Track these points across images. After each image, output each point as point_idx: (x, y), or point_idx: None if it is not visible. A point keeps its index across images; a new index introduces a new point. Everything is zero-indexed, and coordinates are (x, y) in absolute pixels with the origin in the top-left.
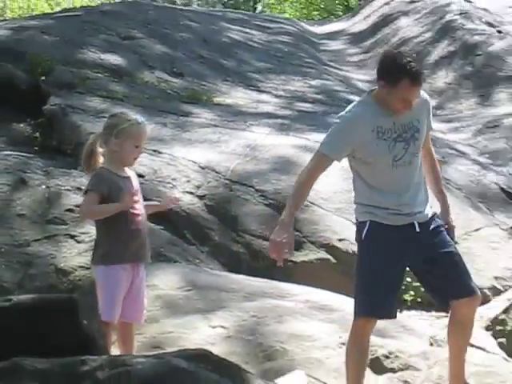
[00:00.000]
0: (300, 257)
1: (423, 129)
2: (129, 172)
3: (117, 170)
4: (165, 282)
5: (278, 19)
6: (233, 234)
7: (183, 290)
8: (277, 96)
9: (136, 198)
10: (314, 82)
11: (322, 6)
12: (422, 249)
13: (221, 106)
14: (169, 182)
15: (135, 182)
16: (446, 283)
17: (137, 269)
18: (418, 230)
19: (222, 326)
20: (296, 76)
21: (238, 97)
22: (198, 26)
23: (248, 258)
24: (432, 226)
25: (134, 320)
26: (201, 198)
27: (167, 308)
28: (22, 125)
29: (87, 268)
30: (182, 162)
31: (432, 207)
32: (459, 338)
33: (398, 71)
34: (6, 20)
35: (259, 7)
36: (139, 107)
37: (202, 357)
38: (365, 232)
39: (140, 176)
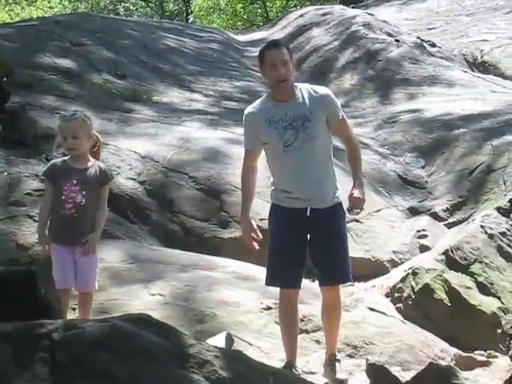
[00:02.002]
0: (227, 234)
1: (317, 119)
2: (90, 164)
3: (72, 162)
4: (110, 256)
5: (208, 29)
6: (169, 214)
7: (126, 262)
8: (207, 95)
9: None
10: (238, 83)
11: (245, 17)
12: (310, 231)
13: (158, 104)
14: (114, 170)
15: (87, 174)
16: (318, 268)
17: (73, 249)
18: (308, 214)
19: (160, 294)
20: (223, 78)
21: (173, 96)
22: (139, 35)
23: (182, 235)
24: (328, 215)
25: (81, 290)
26: (141, 183)
27: (113, 278)
28: None
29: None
30: (125, 153)
31: (339, 196)
32: (325, 318)
33: (259, 55)
34: None
35: (191, 18)
36: (88, 105)
37: (143, 320)
38: (268, 214)
39: None
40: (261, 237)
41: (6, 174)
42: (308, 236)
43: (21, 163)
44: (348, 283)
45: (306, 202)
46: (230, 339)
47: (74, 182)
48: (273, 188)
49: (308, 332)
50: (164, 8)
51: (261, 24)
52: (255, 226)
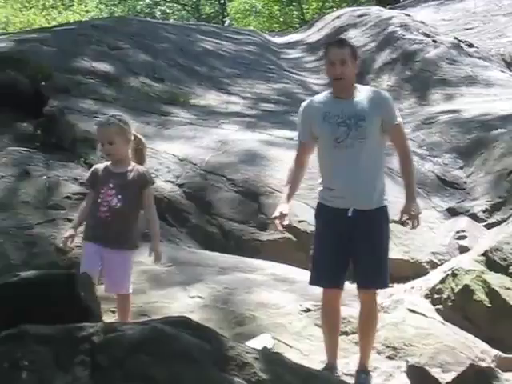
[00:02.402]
0: (265, 236)
1: (371, 120)
2: (129, 168)
3: (112, 166)
4: (149, 258)
5: (244, 31)
6: (207, 217)
7: (166, 265)
8: (244, 98)
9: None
10: (275, 86)
11: (282, 20)
12: (352, 232)
13: (196, 107)
14: (152, 173)
15: (124, 178)
16: (357, 270)
17: (103, 247)
18: (349, 214)
19: (200, 297)
20: (260, 80)
21: (211, 99)
22: (176, 38)
23: (221, 238)
24: (371, 217)
25: (112, 291)
26: (180, 186)
27: (152, 281)
28: (25, 124)
29: None
30: (163, 155)
31: (387, 199)
32: (360, 326)
33: (324, 50)
34: (9, 33)
35: (227, 21)
36: (126, 108)
37: (183, 323)
38: (314, 213)
39: None
40: (286, 223)
41: (44, 177)
42: (350, 236)
43: (59, 167)
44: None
45: (349, 201)
46: (269, 341)
47: (111, 185)
48: (320, 187)
49: (348, 334)
50: (200, 11)
51: (297, 26)
52: (285, 212)
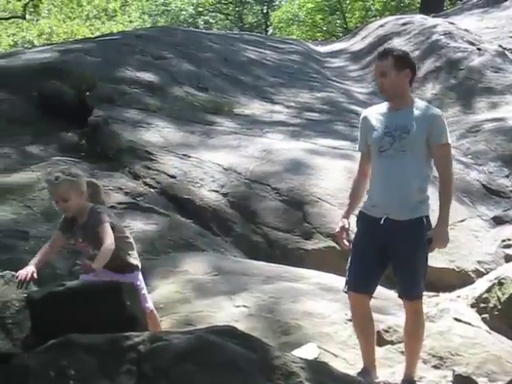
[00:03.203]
0: (310, 245)
1: (415, 134)
2: (87, 218)
3: (78, 218)
4: (195, 268)
5: (288, 40)
6: (252, 226)
7: (211, 274)
8: (288, 107)
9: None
10: (319, 95)
11: (325, 29)
12: (387, 241)
13: (240, 116)
14: (197, 182)
15: (87, 229)
16: (396, 280)
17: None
18: (382, 222)
19: (245, 306)
20: (304, 89)
21: (255, 108)
22: (219, 47)
23: (265, 247)
24: (406, 227)
25: None
26: (224, 195)
27: (197, 290)
28: (70, 134)
29: None
30: (207, 165)
31: (427, 209)
32: (405, 335)
33: None
34: (53, 44)
35: (270, 30)
36: (170, 118)
37: (228, 332)
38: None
39: (172, 177)
40: (346, 239)
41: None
42: (385, 245)
43: (104, 176)
44: (432, 294)
45: (383, 210)
46: (315, 351)
47: (80, 240)
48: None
49: (393, 343)
50: (243, 20)
51: (340, 35)
52: (347, 226)
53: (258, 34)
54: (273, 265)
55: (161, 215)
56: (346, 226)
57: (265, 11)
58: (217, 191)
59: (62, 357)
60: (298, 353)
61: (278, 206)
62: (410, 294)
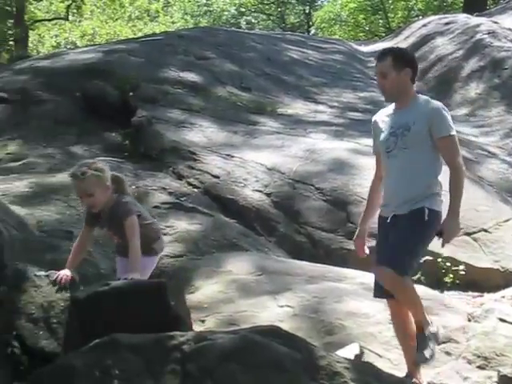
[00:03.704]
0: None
1: (416, 130)
2: (110, 208)
3: (103, 211)
4: (238, 268)
5: (330, 40)
6: (296, 226)
7: (254, 274)
8: (331, 106)
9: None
10: (362, 94)
11: (367, 28)
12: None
13: (283, 116)
14: (240, 182)
15: (111, 220)
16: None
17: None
18: (388, 221)
19: (289, 306)
20: (347, 89)
21: (298, 108)
22: (262, 47)
23: (309, 247)
24: (405, 218)
25: None
26: (268, 195)
27: (241, 290)
28: (113, 134)
29: (172, 257)
30: (251, 165)
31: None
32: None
33: None
34: (96, 45)
35: (312, 30)
36: (213, 118)
37: (272, 332)
38: None
39: (215, 177)
40: (366, 249)
41: (133, 187)
42: None
43: (148, 176)
44: (476, 294)
45: (391, 209)
46: (359, 351)
47: (105, 229)
48: None
49: (438, 344)
50: (285, 21)
51: (382, 35)
52: (364, 235)
53: (301, 34)
54: (316, 265)
55: (204, 215)
56: (362, 234)
57: (307, 11)
58: (260, 191)
59: (106, 356)
60: (342, 353)
61: (321, 205)
62: (390, 261)
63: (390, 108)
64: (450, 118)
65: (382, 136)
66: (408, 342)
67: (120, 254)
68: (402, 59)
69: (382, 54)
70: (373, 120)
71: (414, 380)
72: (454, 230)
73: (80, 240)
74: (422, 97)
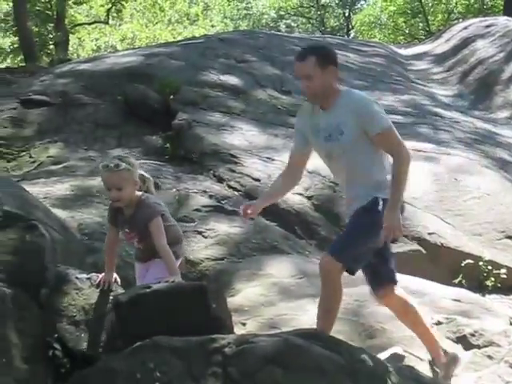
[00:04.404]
0: (396, 248)
1: (350, 132)
2: (136, 208)
3: (125, 208)
4: (279, 271)
5: (371, 43)
6: (336, 228)
7: (295, 277)
8: None
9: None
10: (403, 97)
11: (407, 31)
12: None
13: None
14: None
15: (134, 221)
16: None
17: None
18: (347, 221)
19: None
20: (388, 92)
21: None
22: None
23: None
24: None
25: None
26: (309, 198)
27: (282, 293)
28: (154, 137)
29: (213, 259)
30: None
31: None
32: None
33: None
34: (136, 48)
35: (352, 33)
36: (254, 121)
37: (314, 335)
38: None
39: (256, 180)
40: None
41: (174, 190)
42: None
43: (188, 179)
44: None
45: (348, 210)
46: (400, 354)
47: (127, 230)
48: None
49: (480, 347)
50: (325, 24)
51: (422, 38)
52: (252, 203)
53: (341, 37)
54: None
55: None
56: (251, 203)
57: (346, 14)
58: (301, 194)
59: (148, 359)
60: (383, 356)
61: None
62: (333, 249)
63: (316, 107)
64: (378, 108)
65: (316, 141)
66: (418, 328)
67: (139, 259)
68: (326, 57)
69: (304, 54)
70: (297, 118)
71: (441, 361)
72: (393, 225)
73: (108, 241)
74: (344, 91)
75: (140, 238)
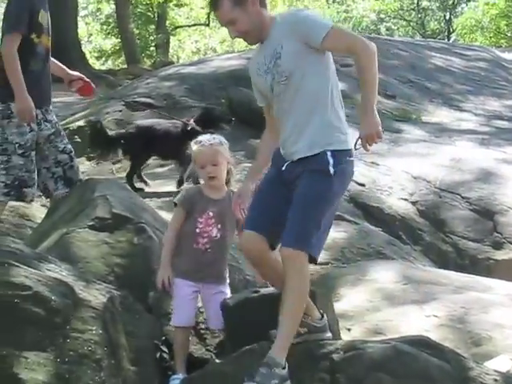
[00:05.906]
0: (500, 255)
1: (288, 52)
2: (225, 194)
3: (208, 191)
4: (384, 276)
5: (473, 47)
6: (441, 235)
7: (400, 283)
8: (476, 114)
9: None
10: (508, 102)
11: (509, 35)
12: (284, 187)
13: (428, 124)
14: (386, 190)
15: (223, 205)
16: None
17: (199, 285)
18: (283, 168)
19: (435, 316)
20: (492, 97)
21: (443, 115)
22: (406, 54)
23: (455, 256)
24: (301, 167)
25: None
26: (413, 203)
27: (387, 299)
28: (257, 141)
29: (317, 264)
30: (396, 173)
31: (327, 147)
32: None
33: None
34: (239, 51)
35: (453, 37)
36: (358, 125)
37: (422, 342)
38: None
39: (361, 185)
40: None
41: None
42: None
43: None
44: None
45: (285, 156)
46: (507, 363)
47: (210, 214)
48: None
49: None
50: (425, 27)
51: None
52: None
53: (443, 41)
54: (461, 274)
55: (350, 223)
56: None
57: (447, 18)
58: (406, 199)
59: (254, 363)
60: (490, 365)
61: (467, 215)
62: (294, 242)
63: (257, 48)
64: (317, 14)
65: (259, 81)
66: None
67: (198, 274)
68: None
69: (215, 1)
70: (249, 71)
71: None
72: (371, 133)
73: (175, 232)
74: (277, 15)
75: (220, 228)
